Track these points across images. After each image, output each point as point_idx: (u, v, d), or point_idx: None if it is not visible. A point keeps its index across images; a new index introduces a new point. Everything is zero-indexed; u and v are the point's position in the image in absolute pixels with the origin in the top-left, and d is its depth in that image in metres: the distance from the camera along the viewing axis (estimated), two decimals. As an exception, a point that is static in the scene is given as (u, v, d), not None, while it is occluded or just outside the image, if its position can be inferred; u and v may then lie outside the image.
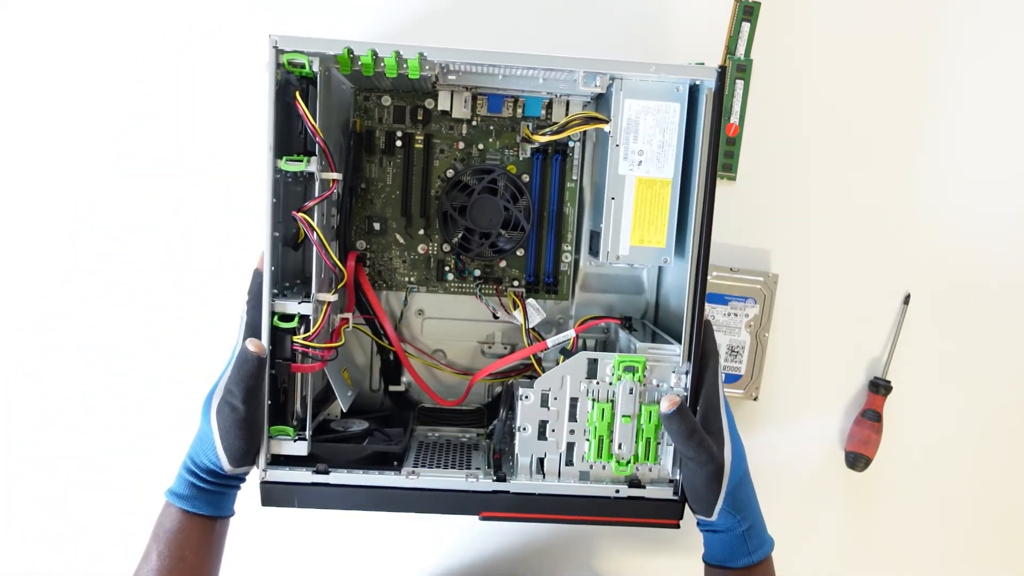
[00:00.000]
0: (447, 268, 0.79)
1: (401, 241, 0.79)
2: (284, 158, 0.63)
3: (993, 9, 0.83)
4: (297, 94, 0.63)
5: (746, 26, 0.81)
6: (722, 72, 0.64)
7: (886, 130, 0.84)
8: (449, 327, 0.82)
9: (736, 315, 0.81)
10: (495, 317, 0.80)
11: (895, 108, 0.84)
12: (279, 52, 0.62)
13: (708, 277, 0.68)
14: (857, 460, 0.85)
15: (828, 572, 0.89)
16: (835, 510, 0.88)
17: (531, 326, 0.79)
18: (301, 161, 0.63)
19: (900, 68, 0.83)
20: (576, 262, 0.81)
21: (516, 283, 0.80)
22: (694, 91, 0.67)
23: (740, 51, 0.81)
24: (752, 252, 0.84)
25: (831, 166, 0.84)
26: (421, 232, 0.79)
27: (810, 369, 0.86)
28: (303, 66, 0.62)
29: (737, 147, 0.82)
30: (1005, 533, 0.90)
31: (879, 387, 0.85)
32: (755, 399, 0.83)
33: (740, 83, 0.81)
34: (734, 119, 0.82)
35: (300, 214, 0.63)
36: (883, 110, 0.84)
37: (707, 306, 0.80)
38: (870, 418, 0.85)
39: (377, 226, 0.78)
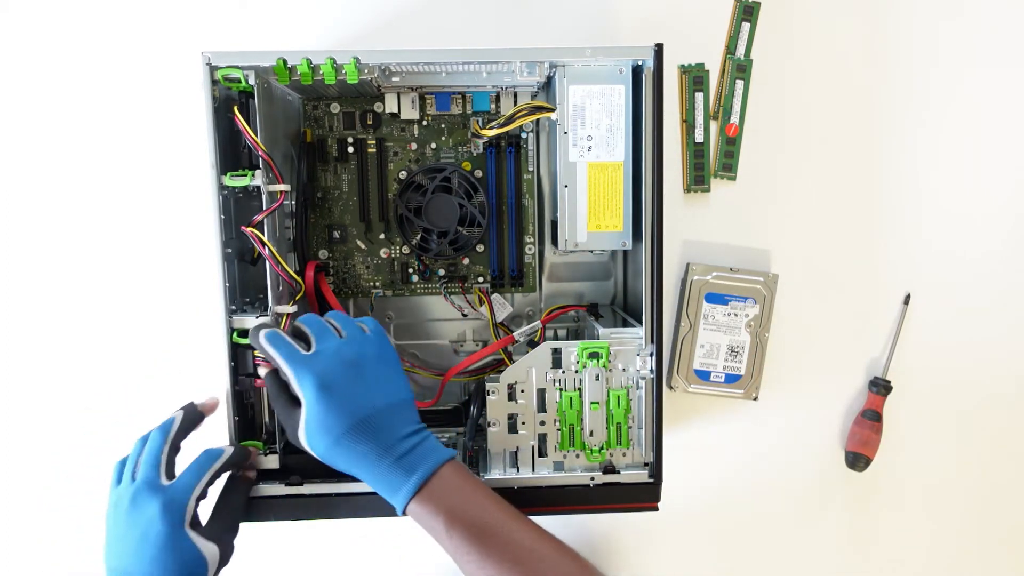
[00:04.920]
0: (411, 270, 0.79)
1: (362, 247, 0.79)
2: (228, 174, 0.63)
3: (994, 12, 0.83)
4: (236, 109, 0.63)
5: (746, 26, 0.80)
6: (659, 50, 0.64)
7: (886, 130, 0.83)
8: (419, 329, 0.81)
9: (736, 315, 0.81)
10: (464, 315, 0.80)
11: (895, 108, 0.83)
12: (212, 68, 0.62)
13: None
14: (857, 460, 0.85)
15: (828, 572, 0.89)
16: (835, 510, 0.88)
17: (499, 320, 0.79)
18: (246, 175, 0.63)
19: (900, 68, 0.83)
20: (540, 253, 0.80)
21: (481, 279, 0.80)
22: (638, 72, 0.67)
23: (740, 51, 0.81)
24: (752, 252, 0.84)
25: (831, 166, 0.84)
26: (382, 236, 0.78)
27: (810, 369, 0.86)
28: (239, 80, 0.62)
29: (737, 147, 0.82)
30: (1005, 533, 0.89)
31: (879, 387, 0.85)
32: (755, 399, 0.82)
33: (740, 83, 0.81)
34: (734, 119, 0.81)
35: (249, 228, 0.63)
36: (883, 110, 0.83)
37: (707, 305, 0.80)
38: (870, 418, 0.84)
39: (337, 234, 0.78)
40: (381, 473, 0.57)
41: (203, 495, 0.59)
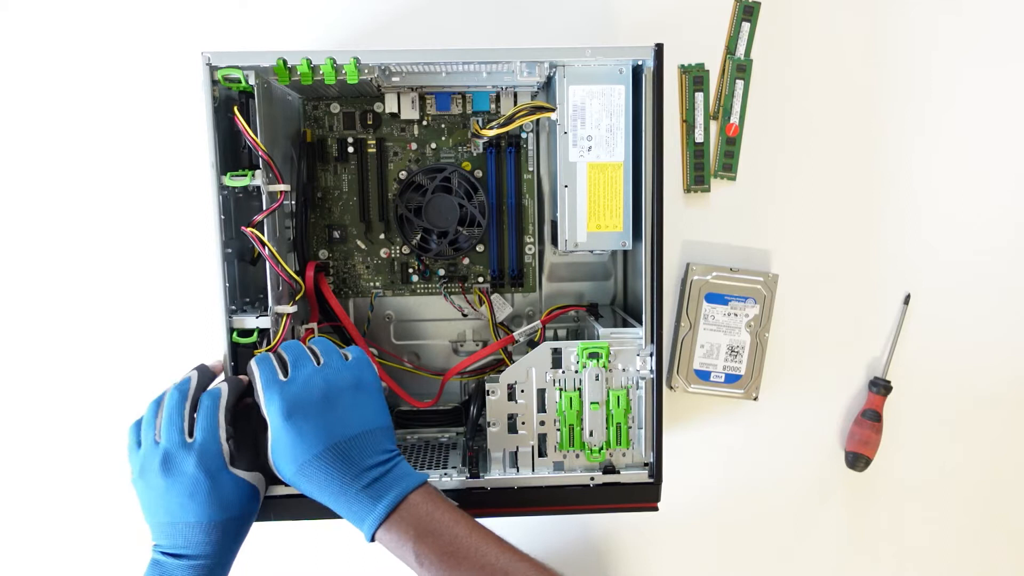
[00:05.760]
0: (411, 270, 0.79)
1: (362, 247, 0.79)
2: (228, 174, 0.63)
3: (994, 12, 0.83)
4: (236, 109, 0.63)
5: (746, 26, 0.80)
6: (659, 50, 0.64)
7: (886, 130, 0.83)
8: (419, 329, 0.81)
9: (736, 315, 0.81)
10: (464, 315, 0.80)
11: (895, 108, 0.83)
12: (212, 68, 0.62)
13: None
14: (857, 460, 0.85)
15: (828, 572, 0.89)
16: (835, 510, 0.88)
17: (499, 320, 0.79)
18: (246, 175, 0.63)
19: (900, 68, 0.83)
20: (541, 253, 0.80)
21: (481, 279, 0.80)
22: (638, 72, 0.67)
23: (740, 51, 0.81)
24: (752, 252, 0.84)
25: (831, 166, 0.84)
26: (382, 236, 0.79)
27: (810, 369, 0.86)
28: (239, 80, 0.62)
29: (737, 147, 0.82)
30: (1005, 533, 0.89)
31: (879, 387, 0.85)
32: (755, 399, 0.82)
33: (740, 83, 0.81)
34: (734, 119, 0.81)
35: (249, 229, 0.63)
36: (883, 110, 0.83)
37: (707, 305, 0.80)
38: (870, 418, 0.84)
39: (337, 234, 0.78)
40: (347, 501, 0.57)
41: (229, 434, 0.59)
